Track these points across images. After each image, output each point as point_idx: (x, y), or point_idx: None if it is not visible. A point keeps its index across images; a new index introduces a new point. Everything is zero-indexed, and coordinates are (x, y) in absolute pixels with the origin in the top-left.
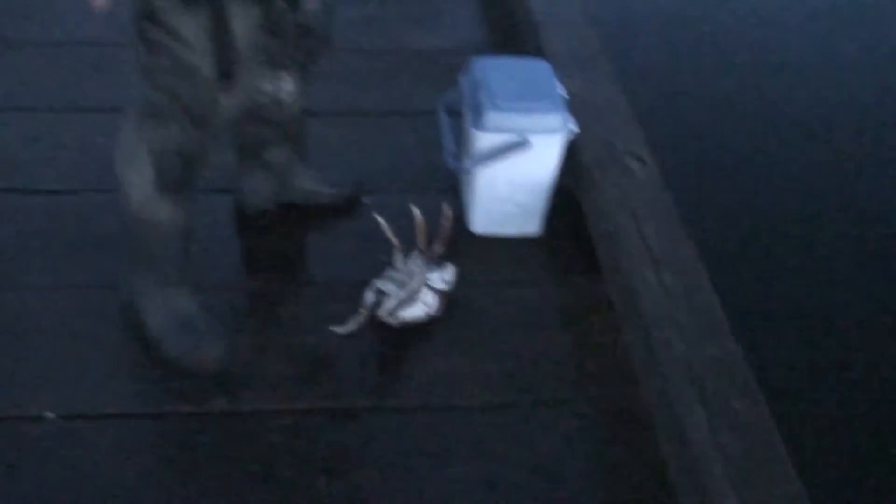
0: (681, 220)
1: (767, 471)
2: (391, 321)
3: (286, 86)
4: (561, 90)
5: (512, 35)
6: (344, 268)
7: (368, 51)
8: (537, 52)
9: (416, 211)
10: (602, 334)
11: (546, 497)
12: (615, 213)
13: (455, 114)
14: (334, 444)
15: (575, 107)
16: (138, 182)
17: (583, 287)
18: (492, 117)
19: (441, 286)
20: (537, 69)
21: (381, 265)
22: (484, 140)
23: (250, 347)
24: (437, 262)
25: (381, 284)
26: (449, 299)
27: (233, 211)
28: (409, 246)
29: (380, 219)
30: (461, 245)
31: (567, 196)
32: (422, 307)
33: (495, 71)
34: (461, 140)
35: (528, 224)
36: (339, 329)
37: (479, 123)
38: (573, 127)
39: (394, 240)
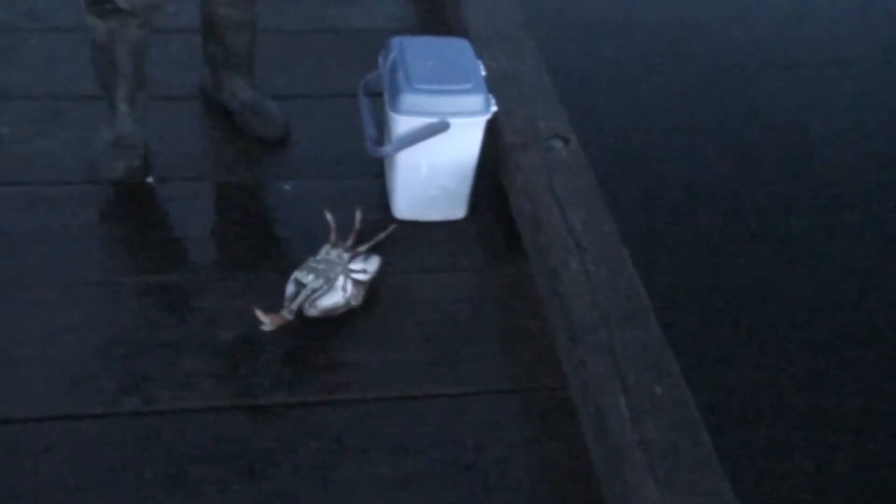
0: (605, 202)
1: (689, 459)
2: (311, 312)
3: None
4: (481, 69)
5: (435, 12)
6: (264, 258)
7: (288, 32)
8: (460, 28)
9: (329, 217)
10: (528, 321)
11: (473, 493)
12: (538, 196)
13: (378, 96)
14: (254, 445)
15: (497, 85)
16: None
17: (509, 273)
18: (409, 100)
19: (361, 276)
20: (457, 48)
21: (303, 255)
22: (402, 124)
23: (165, 344)
24: (363, 253)
25: (300, 275)
26: (369, 289)
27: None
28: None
29: (329, 217)
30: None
31: (492, 178)
32: (340, 293)
33: (413, 51)
34: (383, 124)
35: (453, 208)
36: (259, 314)
37: (396, 106)
38: (494, 107)
39: (332, 235)
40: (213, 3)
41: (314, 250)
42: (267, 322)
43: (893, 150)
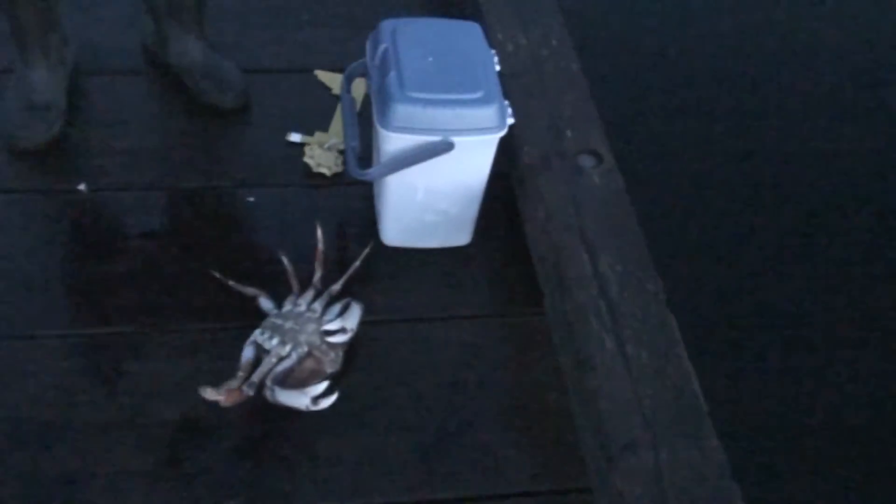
0: (646, 246)
1: None
2: (271, 398)
3: None
4: (495, 64)
5: None
6: (219, 302)
7: None
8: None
9: (319, 233)
10: (546, 392)
11: None
12: (562, 238)
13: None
14: None
15: (512, 76)
16: None
17: (523, 321)
18: (402, 112)
19: (339, 339)
20: (464, 36)
21: (271, 296)
22: (393, 142)
23: (89, 429)
24: (337, 299)
25: (261, 337)
26: (350, 347)
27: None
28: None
29: (285, 260)
30: (368, 262)
31: (506, 190)
32: (304, 399)
33: (409, 41)
34: (372, 132)
35: (455, 235)
36: (209, 393)
37: (385, 120)
38: (511, 119)
39: (294, 284)
40: None
41: (285, 291)
42: (221, 399)
43: None
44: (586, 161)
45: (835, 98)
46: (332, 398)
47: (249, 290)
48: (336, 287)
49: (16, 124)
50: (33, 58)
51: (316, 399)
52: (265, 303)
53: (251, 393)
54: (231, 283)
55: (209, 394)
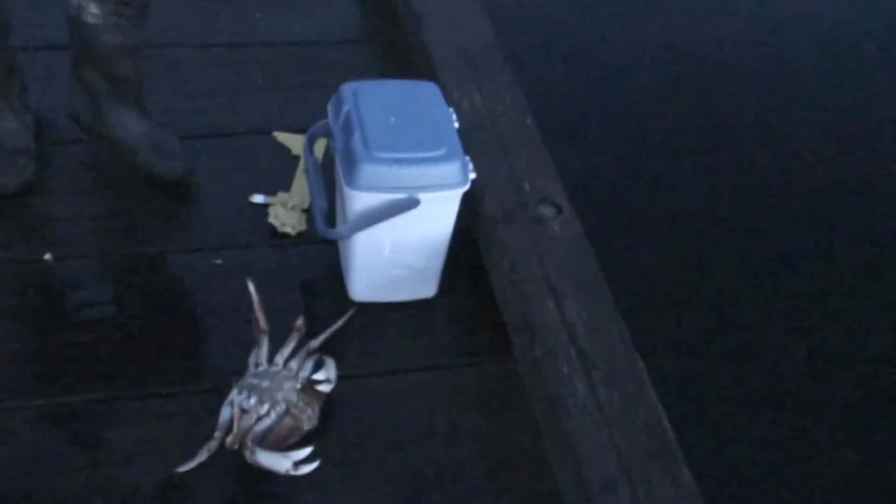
0: (609, 292)
1: None
2: (247, 457)
3: (90, 7)
4: (454, 121)
5: (389, 23)
6: (194, 366)
7: (218, 46)
8: (419, 50)
9: (251, 287)
10: (519, 434)
11: None
12: (528, 287)
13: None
14: None
15: (469, 132)
16: None
17: (492, 369)
18: (368, 172)
19: (326, 388)
20: (423, 96)
21: (243, 364)
22: (360, 201)
23: (66, 497)
24: (314, 353)
25: (239, 397)
26: (325, 403)
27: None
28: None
29: (252, 287)
30: (337, 318)
31: (467, 242)
32: (286, 463)
33: (371, 103)
34: (336, 191)
35: (422, 287)
36: (185, 466)
37: (353, 180)
38: (473, 174)
39: (262, 321)
40: (89, 27)
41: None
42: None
43: None
44: (546, 211)
45: (793, 128)
46: (314, 464)
47: (262, 323)
48: (315, 344)
49: None
50: None
51: (297, 464)
52: (257, 353)
53: (235, 446)
54: (256, 301)
55: (185, 467)
